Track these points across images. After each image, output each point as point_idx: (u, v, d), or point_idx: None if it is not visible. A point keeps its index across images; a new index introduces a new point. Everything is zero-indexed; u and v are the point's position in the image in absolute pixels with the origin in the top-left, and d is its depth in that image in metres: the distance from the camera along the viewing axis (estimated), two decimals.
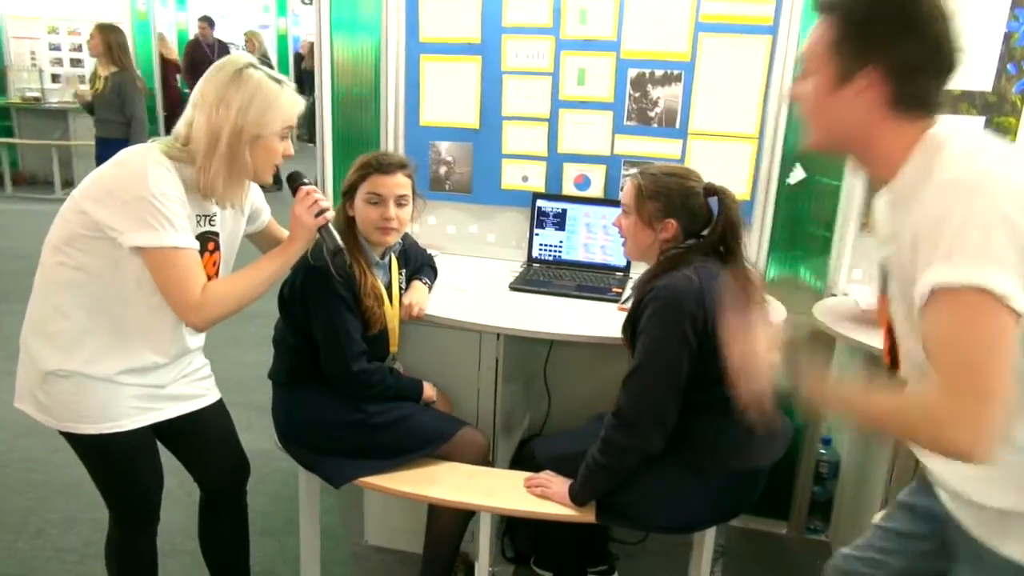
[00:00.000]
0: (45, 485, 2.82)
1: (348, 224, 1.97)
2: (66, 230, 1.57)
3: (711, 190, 1.75)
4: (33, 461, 2.97)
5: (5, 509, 2.68)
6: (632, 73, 2.48)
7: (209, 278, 1.64)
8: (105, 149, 4.71)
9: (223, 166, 1.58)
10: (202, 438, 1.85)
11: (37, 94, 8.15)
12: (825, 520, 2.68)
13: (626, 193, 1.82)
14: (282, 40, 11.30)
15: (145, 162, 1.53)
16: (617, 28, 2.45)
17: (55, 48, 8.23)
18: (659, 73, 2.46)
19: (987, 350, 0.99)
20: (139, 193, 1.50)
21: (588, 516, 1.79)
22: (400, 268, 2.12)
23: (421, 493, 1.89)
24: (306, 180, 1.75)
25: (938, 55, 1.11)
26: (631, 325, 1.75)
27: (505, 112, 2.62)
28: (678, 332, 1.63)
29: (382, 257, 2.04)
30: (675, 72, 2.45)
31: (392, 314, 2.04)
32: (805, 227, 2.51)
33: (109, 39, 4.89)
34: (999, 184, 1.01)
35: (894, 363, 1.30)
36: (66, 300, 1.59)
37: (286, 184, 1.78)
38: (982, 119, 2.26)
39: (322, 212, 1.70)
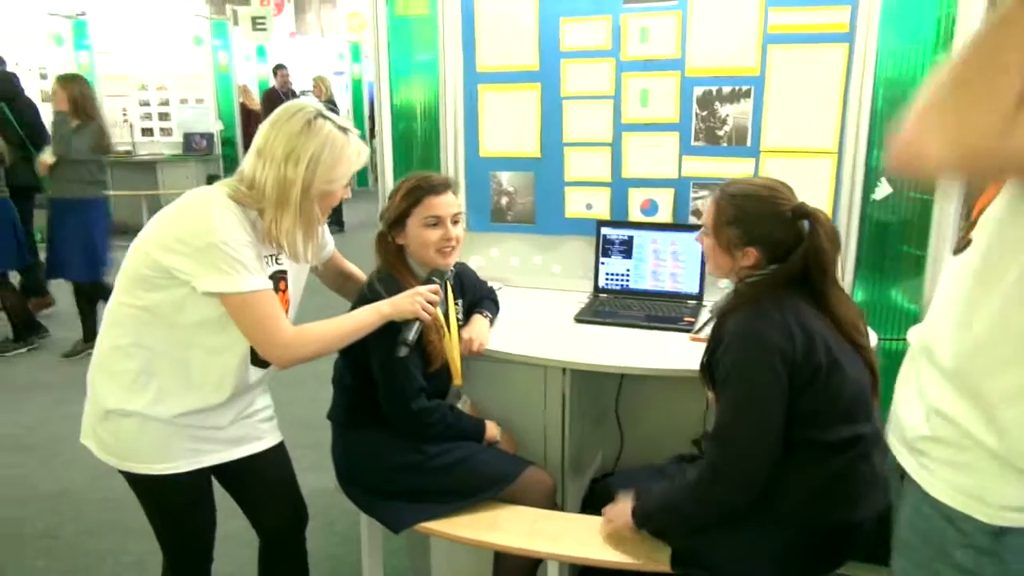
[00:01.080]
0: (122, 526, 2.84)
1: (399, 253, 1.93)
2: (133, 272, 1.57)
3: (801, 212, 1.58)
4: (112, 501, 3.01)
5: (82, 550, 2.71)
6: (698, 91, 2.37)
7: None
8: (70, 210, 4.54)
9: (296, 224, 1.57)
10: (260, 482, 1.81)
11: (128, 147, 8.59)
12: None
13: (707, 212, 1.70)
14: (356, 85, 11.63)
15: (212, 208, 1.53)
16: (680, 45, 2.35)
17: (144, 104, 8.66)
18: (727, 90, 2.34)
19: None
20: (209, 240, 1.49)
21: (663, 565, 1.65)
22: (456, 297, 2.05)
23: (484, 539, 1.79)
24: (438, 282, 1.87)
25: None
26: (709, 363, 1.62)
27: (566, 139, 2.54)
28: (770, 375, 1.48)
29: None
30: (744, 88, 2.32)
31: (452, 344, 1.97)
32: (894, 246, 2.32)
33: (73, 91, 4.44)
34: None
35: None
36: (130, 340, 1.59)
37: (427, 274, 1.91)
38: None
39: (427, 312, 1.78)
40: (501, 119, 2.60)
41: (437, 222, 1.89)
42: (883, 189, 2.28)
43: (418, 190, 1.89)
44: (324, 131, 1.57)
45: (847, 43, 2.19)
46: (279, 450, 1.83)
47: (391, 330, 1.77)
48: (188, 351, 1.60)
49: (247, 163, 1.61)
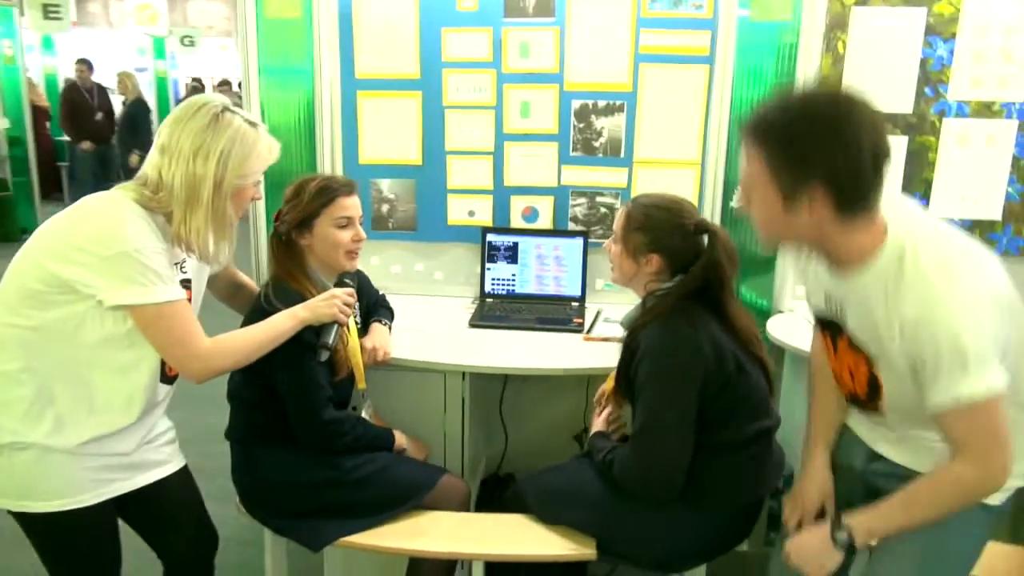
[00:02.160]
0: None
1: (299, 256, 1.88)
2: (19, 288, 1.42)
3: (703, 227, 1.71)
4: None
5: None
6: (576, 104, 2.50)
7: None
8: None
9: (208, 222, 1.48)
10: (165, 509, 1.68)
11: None
12: (777, 530, 2.73)
13: (617, 219, 1.80)
14: (161, 83, 10.82)
15: (121, 214, 1.42)
16: (559, 60, 2.47)
17: None
18: (602, 104, 2.49)
19: (1001, 420, 1.26)
20: (121, 248, 1.38)
21: (589, 555, 1.74)
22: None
23: (408, 547, 1.78)
24: (351, 284, 1.85)
25: (870, 157, 1.22)
26: (624, 375, 1.71)
27: (448, 147, 2.57)
28: (682, 389, 1.60)
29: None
30: (618, 102, 2.48)
31: (354, 348, 1.94)
32: (749, 248, 2.59)
33: None
34: (981, 299, 1.23)
35: (868, 396, 1.46)
36: (19, 364, 1.43)
37: (337, 277, 1.87)
38: (904, 139, 2.41)
39: (346, 316, 1.76)
40: (381, 127, 2.58)
41: (348, 223, 1.86)
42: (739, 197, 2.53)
43: (330, 190, 1.85)
44: (233, 125, 1.51)
45: (708, 64, 2.42)
46: (184, 473, 1.72)
47: (298, 340, 1.72)
48: (90, 372, 1.47)
49: (149, 164, 1.51)
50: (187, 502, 1.73)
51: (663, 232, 1.71)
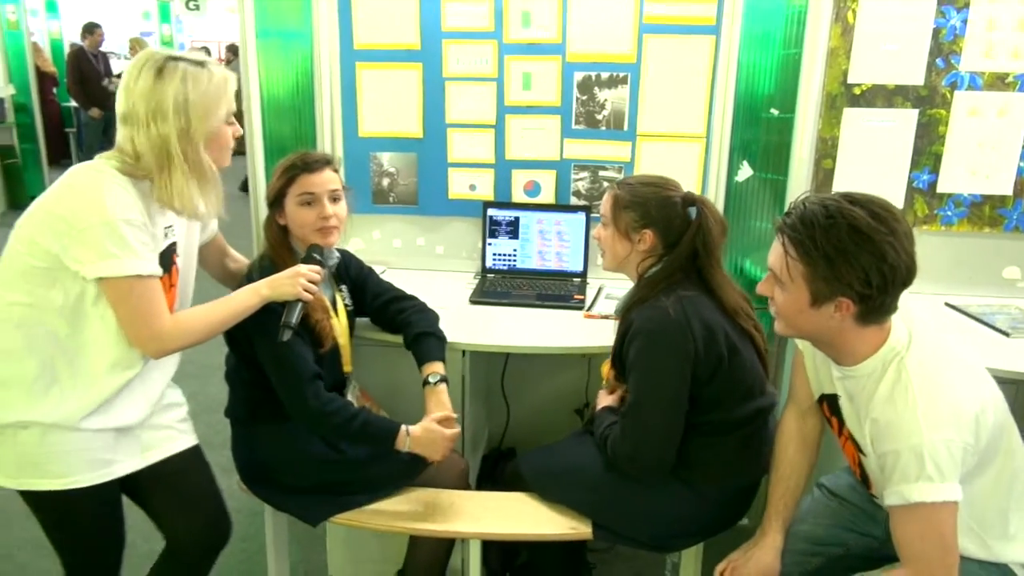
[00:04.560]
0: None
1: (282, 235, 1.86)
2: (16, 264, 1.42)
3: (689, 200, 1.71)
4: None
5: None
6: (578, 76, 2.45)
7: (171, 287, 1.56)
8: None
9: (187, 178, 1.46)
10: (174, 491, 1.68)
11: None
12: None
13: (603, 204, 1.78)
14: (168, 47, 10.73)
15: (100, 183, 1.41)
16: (561, 31, 2.41)
17: None
18: (605, 75, 2.44)
19: (949, 533, 1.29)
20: (96, 219, 1.38)
21: (585, 534, 1.74)
22: (339, 282, 1.99)
23: (404, 525, 1.79)
24: (319, 260, 1.77)
25: (900, 278, 1.30)
26: (619, 356, 1.71)
27: (449, 120, 2.54)
28: (670, 367, 1.60)
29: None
30: (621, 74, 2.43)
31: (342, 329, 1.92)
32: (753, 221, 2.56)
33: None
34: (957, 413, 1.29)
35: (863, 480, 1.56)
36: (21, 342, 1.44)
37: (306, 251, 1.80)
38: (915, 112, 2.35)
39: (309, 293, 1.68)
40: (381, 99, 2.54)
41: (312, 200, 1.81)
42: (744, 171, 2.50)
43: (293, 168, 1.82)
44: (178, 73, 1.46)
45: (714, 35, 2.36)
46: (196, 452, 1.71)
47: (272, 316, 1.68)
48: (92, 346, 1.48)
49: (119, 135, 1.49)
50: (198, 484, 1.72)
51: (653, 206, 1.71)
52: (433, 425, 1.78)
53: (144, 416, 1.58)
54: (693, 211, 1.70)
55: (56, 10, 9.95)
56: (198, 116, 1.47)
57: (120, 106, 1.48)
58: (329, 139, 2.59)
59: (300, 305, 1.68)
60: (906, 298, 1.37)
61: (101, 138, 8.03)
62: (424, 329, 1.95)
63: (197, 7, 11.36)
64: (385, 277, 2.24)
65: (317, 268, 1.73)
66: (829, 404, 1.56)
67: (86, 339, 1.48)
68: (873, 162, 2.39)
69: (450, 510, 1.83)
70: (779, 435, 1.71)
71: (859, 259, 1.28)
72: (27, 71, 7.48)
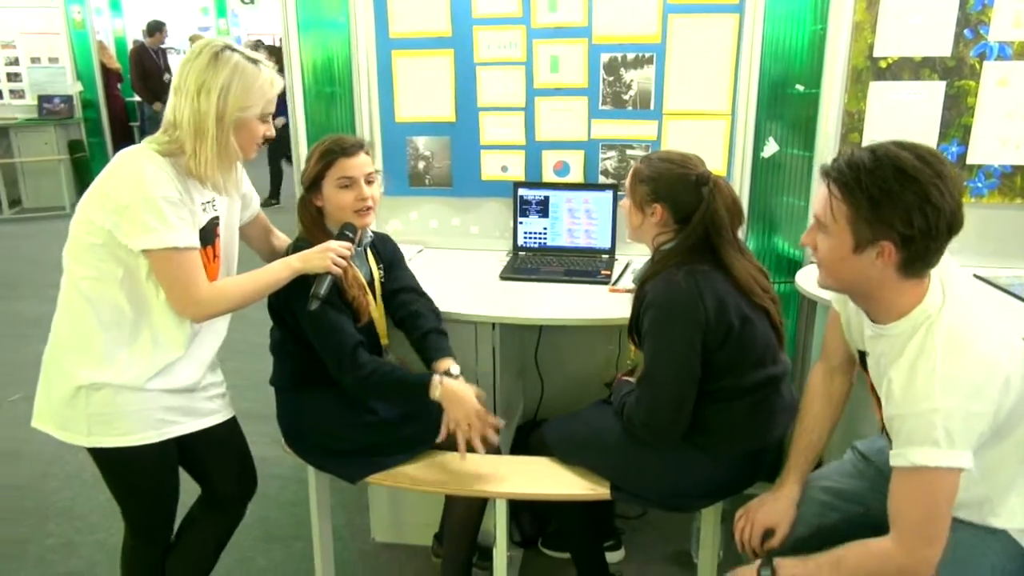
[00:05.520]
0: (39, 511, 2.77)
1: (317, 216, 1.97)
2: (80, 243, 1.60)
3: (704, 179, 1.75)
4: (23, 488, 2.91)
5: (2, 538, 2.62)
6: (604, 58, 2.51)
7: (215, 258, 1.71)
8: None
9: (213, 153, 1.60)
10: (218, 453, 1.87)
11: None
12: None
13: (629, 175, 1.86)
14: None
15: (140, 164, 1.57)
16: (587, 14, 2.48)
17: None
18: (631, 56, 2.50)
19: (943, 502, 1.29)
20: (136, 196, 1.53)
21: (603, 495, 1.84)
22: (378, 262, 2.10)
23: (438, 487, 1.91)
24: (351, 237, 1.88)
25: (945, 223, 1.27)
26: (635, 326, 1.80)
27: (481, 103, 2.63)
28: (681, 336, 1.67)
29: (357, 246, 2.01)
30: (647, 55, 2.49)
31: (377, 307, 2.04)
32: (781, 198, 2.59)
33: None
34: (976, 385, 1.28)
35: (886, 434, 1.50)
36: (91, 312, 1.61)
37: (339, 229, 1.91)
38: (943, 83, 2.35)
39: (338, 267, 1.80)
40: (416, 85, 2.65)
41: (350, 183, 1.91)
42: (770, 147, 2.53)
43: (330, 153, 1.92)
44: (232, 62, 1.60)
45: (738, 13, 2.40)
46: (233, 423, 1.89)
47: (308, 288, 1.80)
48: (151, 313, 1.64)
49: (168, 106, 1.64)
50: (235, 450, 1.92)
51: (666, 182, 1.77)
52: (464, 384, 1.88)
53: (198, 379, 1.73)
54: (705, 191, 1.75)
55: (120, 8, 10.36)
56: (235, 104, 1.60)
57: (175, 79, 1.63)
58: (368, 125, 2.71)
59: (329, 278, 1.80)
60: (947, 259, 1.37)
61: None
62: (436, 326, 2.04)
63: (252, 1, 11.68)
64: (422, 257, 2.36)
65: (348, 244, 1.85)
66: (862, 361, 1.58)
67: (146, 308, 1.63)
68: (901, 135, 2.33)
69: (479, 473, 1.94)
70: (806, 391, 1.76)
71: (903, 198, 1.25)
72: (93, 68, 7.86)
